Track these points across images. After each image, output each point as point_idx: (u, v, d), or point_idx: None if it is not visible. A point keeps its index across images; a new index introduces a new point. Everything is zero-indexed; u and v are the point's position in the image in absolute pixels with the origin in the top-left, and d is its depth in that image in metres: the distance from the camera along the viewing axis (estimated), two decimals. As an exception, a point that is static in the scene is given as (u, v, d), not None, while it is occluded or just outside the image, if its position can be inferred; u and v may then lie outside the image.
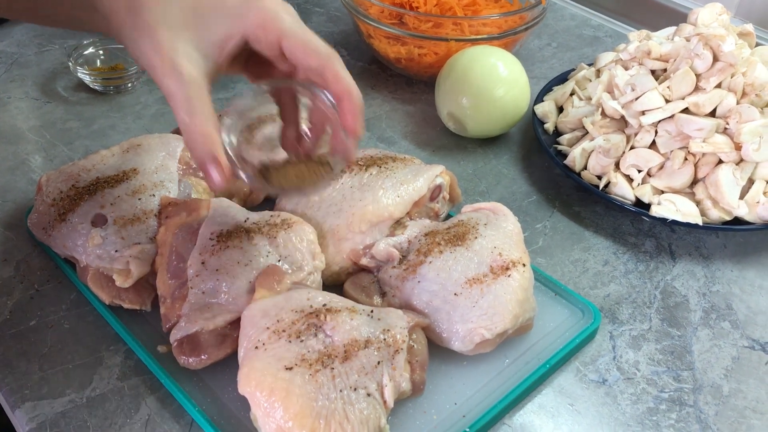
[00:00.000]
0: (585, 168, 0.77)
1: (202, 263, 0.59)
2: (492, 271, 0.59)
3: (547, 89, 0.88)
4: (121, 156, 0.70)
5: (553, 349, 0.60)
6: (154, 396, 0.58)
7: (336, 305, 0.56)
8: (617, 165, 0.75)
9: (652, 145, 0.73)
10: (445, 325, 0.58)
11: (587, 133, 0.79)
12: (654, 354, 0.62)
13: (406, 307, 0.60)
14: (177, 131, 0.78)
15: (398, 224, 0.65)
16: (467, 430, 0.54)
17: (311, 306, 0.55)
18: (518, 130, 0.88)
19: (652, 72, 0.76)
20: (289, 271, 0.60)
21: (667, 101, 0.73)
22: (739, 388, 0.60)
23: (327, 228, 0.64)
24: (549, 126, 0.83)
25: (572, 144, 0.80)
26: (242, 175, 0.52)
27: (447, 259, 0.60)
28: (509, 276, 0.58)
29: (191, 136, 0.50)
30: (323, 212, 0.65)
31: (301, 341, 0.53)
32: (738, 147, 0.71)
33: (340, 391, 0.50)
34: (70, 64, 0.90)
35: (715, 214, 0.70)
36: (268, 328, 0.54)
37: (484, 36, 0.89)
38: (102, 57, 0.94)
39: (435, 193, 0.68)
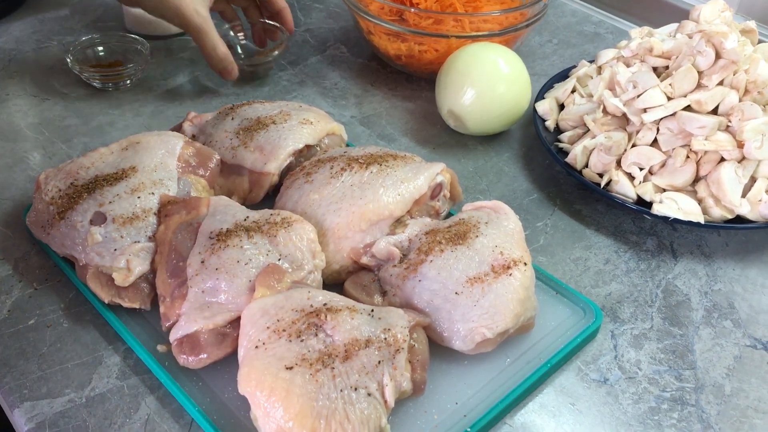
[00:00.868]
0: (586, 166, 0.76)
1: (202, 262, 0.59)
2: (493, 269, 0.59)
3: (548, 86, 0.88)
4: (120, 154, 0.69)
5: (555, 349, 0.60)
6: (154, 395, 0.57)
7: (336, 304, 0.56)
8: (619, 163, 0.74)
9: (654, 143, 0.73)
10: (446, 324, 0.58)
11: (588, 130, 0.78)
12: (656, 353, 0.62)
13: (407, 306, 0.60)
14: (176, 128, 0.78)
15: (399, 223, 0.65)
16: (468, 429, 0.54)
17: (311, 305, 0.55)
18: (519, 128, 0.88)
19: (654, 69, 0.75)
20: (289, 270, 0.60)
21: (669, 99, 0.72)
22: (741, 388, 0.60)
23: (327, 226, 0.64)
24: (550, 123, 0.83)
25: (573, 141, 0.79)
26: (240, 65, 0.90)
27: (448, 257, 0.60)
28: (510, 275, 0.58)
29: (218, 58, 0.87)
30: (323, 210, 0.65)
31: (302, 341, 0.52)
32: (740, 145, 0.70)
33: (341, 390, 0.50)
34: (69, 60, 0.89)
35: (717, 213, 0.70)
36: (268, 327, 0.54)
37: (485, 33, 0.89)
38: (101, 53, 0.94)
39: (436, 191, 0.68)
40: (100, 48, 0.94)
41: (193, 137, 0.76)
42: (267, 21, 0.95)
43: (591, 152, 0.76)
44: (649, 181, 0.72)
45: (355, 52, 1.02)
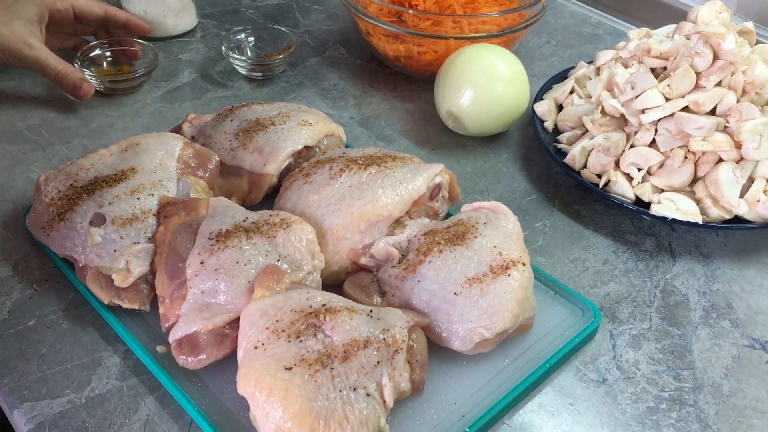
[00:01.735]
0: (585, 166, 0.76)
1: (201, 263, 0.59)
2: (492, 270, 0.59)
3: (546, 87, 0.88)
4: (119, 155, 0.69)
5: (553, 349, 0.60)
6: (153, 396, 0.58)
7: (335, 305, 0.56)
8: (617, 163, 0.75)
9: (652, 144, 0.73)
10: (444, 324, 0.58)
11: (587, 131, 0.78)
12: (654, 353, 0.62)
13: (406, 306, 0.60)
14: (175, 130, 0.78)
15: (397, 223, 0.65)
16: (467, 429, 0.54)
17: (310, 306, 0.55)
18: (518, 129, 0.88)
19: (652, 70, 0.76)
20: (288, 270, 0.60)
21: (667, 99, 0.73)
22: (739, 387, 0.60)
23: (326, 227, 0.64)
24: (548, 124, 0.83)
25: (572, 142, 0.79)
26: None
27: (446, 258, 0.60)
28: (509, 275, 0.58)
29: (62, 76, 0.84)
30: (322, 211, 0.65)
31: (301, 341, 0.53)
32: (738, 145, 0.70)
33: (340, 391, 0.50)
34: (77, 65, 0.90)
35: (715, 213, 0.70)
36: (267, 328, 0.54)
37: (484, 34, 0.89)
38: (108, 59, 0.94)
39: (434, 191, 0.68)
40: (108, 53, 0.94)
41: (193, 138, 0.76)
42: (121, 40, 0.94)
43: (589, 153, 0.76)
44: (647, 182, 0.73)
45: (354, 53, 1.03)
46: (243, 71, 0.96)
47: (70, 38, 0.94)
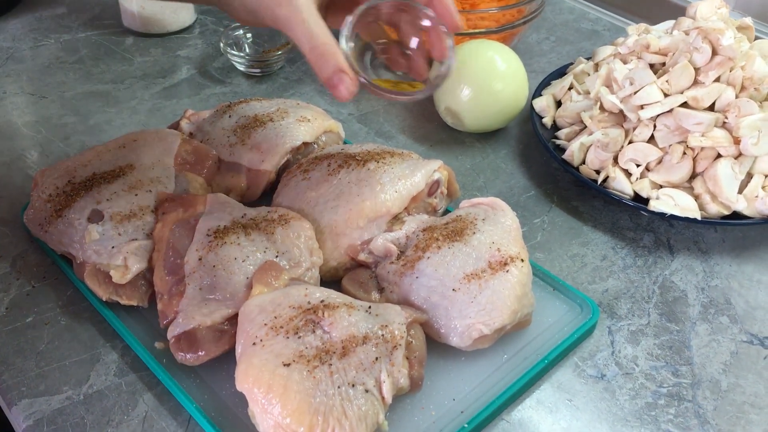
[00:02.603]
0: (583, 162, 0.76)
1: (199, 259, 0.59)
2: (490, 266, 0.59)
3: (545, 83, 0.88)
4: (117, 151, 0.69)
5: (552, 345, 0.60)
6: (152, 393, 0.57)
7: (334, 301, 0.56)
8: (616, 159, 0.74)
9: (651, 140, 0.73)
10: (443, 320, 0.58)
11: (585, 127, 0.78)
12: (652, 349, 0.62)
13: (404, 302, 0.60)
14: (174, 126, 0.78)
15: (396, 220, 0.65)
16: (465, 425, 0.54)
17: (309, 302, 0.55)
18: (516, 125, 0.88)
19: (651, 66, 0.76)
20: (287, 267, 0.60)
21: (666, 95, 0.72)
22: (737, 383, 0.60)
23: (324, 224, 0.64)
24: (547, 120, 0.83)
25: (570, 138, 0.79)
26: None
27: (445, 254, 0.60)
28: (507, 271, 0.58)
29: (316, 54, 0.53)
30: (321, 208, 0.65)
31: (299, 337, 0.53)
32: (737, 141, 0.70)
33: (338, 387, 0.50)
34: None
35: (714, 209, 0.70)
36: (265, 324, 0.54)
37: (482, 30, 0.89)
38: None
39: (433, 188, 0.68)
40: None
41: (191, 135, 0.76)
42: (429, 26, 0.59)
43: (588, 149, 0.76)
44: (645, 178, 0.73)
45: (352, 49, 1.02)
46: (241, 67, 0.96)
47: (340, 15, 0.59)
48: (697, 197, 0.71)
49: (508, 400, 0.56)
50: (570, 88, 0.84)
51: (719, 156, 0.71)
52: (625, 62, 0.78)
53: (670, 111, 0.72)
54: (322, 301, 0.55)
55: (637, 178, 0.73)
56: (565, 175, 0.81)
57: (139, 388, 0.58)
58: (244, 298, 0.57)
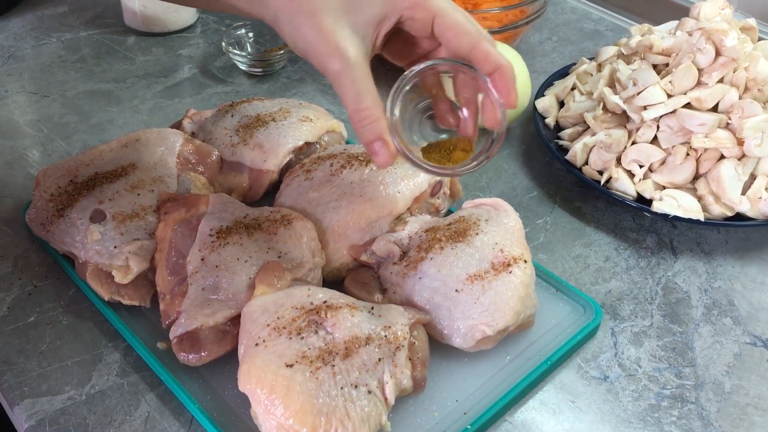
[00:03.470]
0: (586, 163, 0.76)
1: (202, 259, 0.59)
2: (493, 267, 0.59)
3: (547, 84, 0.88)
4: (119, 151, 0.69)
5: (555, 346, 0.60)
6: (154, 393, 0.57)
7: (336, 302, 0.55)
8: (618, 160, 0.74)
9: (654, 141, 0.73)
10: (446, 321, 0.58)
11: (588, 128, 0.78)
12: (655, 350, 0.62)
13: (407, 303, 0.59)
14: (176, 126, 0.77)
15: (399, 220, 0.65)
16: (468, 427, 0.54)
17: (312, 303, 0.55)
18: (519, 125, 0.88)
19: (654, 66, 0.75)
20: (289, 267, 0.59)
21: (669, 96, 0.72)
22: (740, 385, 0.60)
23: (327, 224, 0.64)
24: (550, 121, 0.83)
25: (573, 139, 0.79)
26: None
27: (448, 255, 0.60)
28: (510, 272, 0.58)
29: (359, 117, 0.51)
30: (323, 208, 0.65)
31: (302, 338, 0.52)
32: (740, 142, 0.70)
33: (341, 388, 0.50)
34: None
35: (717, 210, 0.70)
36: (268, 324, 0.54)
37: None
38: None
39: (436, 188, 0.68)
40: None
41: (193, 134, 0.76)
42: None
43: (591, 149, 0.76)
44: (649, 179, 0.72)
45: (354, 49, 1.02)
46: (243, 67, 0.95)
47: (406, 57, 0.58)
48: (700, 198, 0.71)
49: (511, 401, 0.56)
50: (573, 89, 0.84)
51: (722, 157, 0.71)
52: (628, 63, 0.78)
53: (674, 112, 0.72)
54: (324, 302, 0.55)
55: (640, 179, 0.73)
56: (568, 175, 0.81)
57: (142, 388, 0.58)
58: (247, 299, 0.57)
